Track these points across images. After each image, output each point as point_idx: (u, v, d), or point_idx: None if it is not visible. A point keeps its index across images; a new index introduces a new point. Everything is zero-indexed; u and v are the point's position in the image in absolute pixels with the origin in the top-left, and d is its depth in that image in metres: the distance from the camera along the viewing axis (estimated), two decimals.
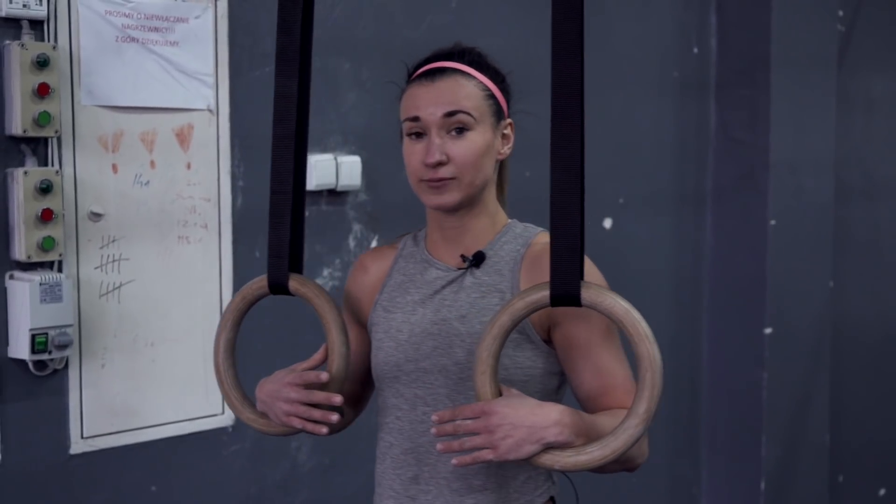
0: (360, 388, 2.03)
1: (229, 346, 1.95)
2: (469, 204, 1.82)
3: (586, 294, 1.62)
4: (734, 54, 4.20)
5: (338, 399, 1.77)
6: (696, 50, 4.20)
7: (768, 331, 4.20)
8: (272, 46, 2.97)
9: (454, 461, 1.65)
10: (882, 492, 4.93)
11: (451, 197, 1.79)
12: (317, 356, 1.86)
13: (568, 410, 1.63)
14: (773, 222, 4.17)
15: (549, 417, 1.61)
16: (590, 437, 1.63)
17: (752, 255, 4.20)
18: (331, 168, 3.10)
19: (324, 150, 3.12)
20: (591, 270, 1.76)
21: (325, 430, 1.78)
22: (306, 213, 3.10)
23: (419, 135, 1.80)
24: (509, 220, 1.90)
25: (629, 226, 4.00)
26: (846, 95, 4.53)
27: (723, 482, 4.34)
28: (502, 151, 1.86)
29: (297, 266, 1.89)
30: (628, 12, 3.96)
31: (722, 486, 4.34)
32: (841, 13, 4.47)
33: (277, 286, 1.88)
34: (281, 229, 1.86)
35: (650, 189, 4.07)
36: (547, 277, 1.64)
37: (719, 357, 4.30)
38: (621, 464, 1.69)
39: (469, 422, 1.62)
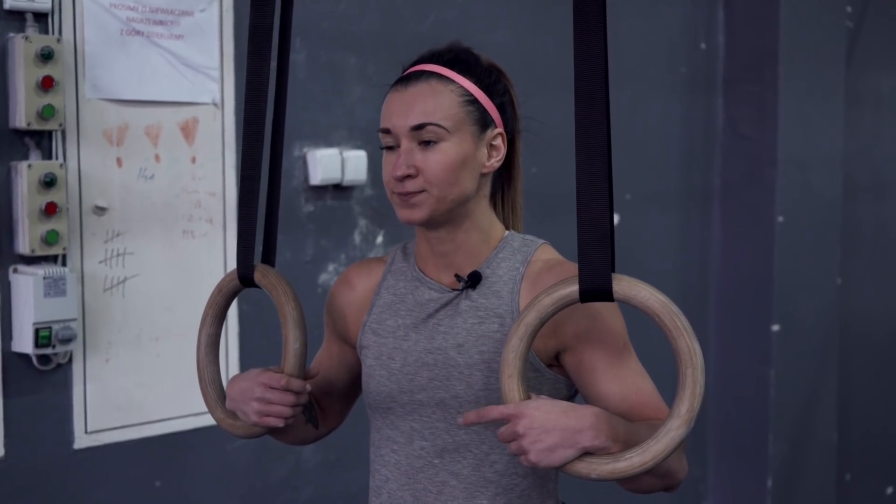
0: (337, 403, 1.92)
1: (211, 342, 1.86)
2: (449, 219, 1.68)
3: (618, 287, 1.48)
4: (742, 50, 4.19)
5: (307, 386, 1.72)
6: (703, 46, 4.18)
7: (776, 328, 4.18)
8: (277, 39, 2.99)
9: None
10: (889, 490, 4.91)
11: (420, 212, 1.65)
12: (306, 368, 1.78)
13: (604, 413, 1.50)
14: (780, 219, 4.15)
15: (584, 420, 1.47)
16: (628, 443, 1.49)
17: (759, 252, 4.18)
18: (336, 162, 3.09)
19: (329, 144, 3.11)
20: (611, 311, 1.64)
21: (282, 423, 1.71)
22: (311, 209, 3.13)
23: (392, 147, 1.67)
24: (506, 233, 1.74)
25: (636, 222, 3.99)
26: (854, 92, 4.51)
27: (729, 479, 4.32)
28: (487, 164, 1.69)
29: (269, 257, 1.79)
30: (636, 7, 3.95)
31: (728, 484, 4.33)
32: (849, 9, 4.45)
33: (245, 279, 1.79)
34: (250, 218, 1.76)
35: (657, 185, 4.06)
36: None
37: (726, 354, 4.29)
38: (661, 478, 1.55)
39: (502, 429, 1.50)
